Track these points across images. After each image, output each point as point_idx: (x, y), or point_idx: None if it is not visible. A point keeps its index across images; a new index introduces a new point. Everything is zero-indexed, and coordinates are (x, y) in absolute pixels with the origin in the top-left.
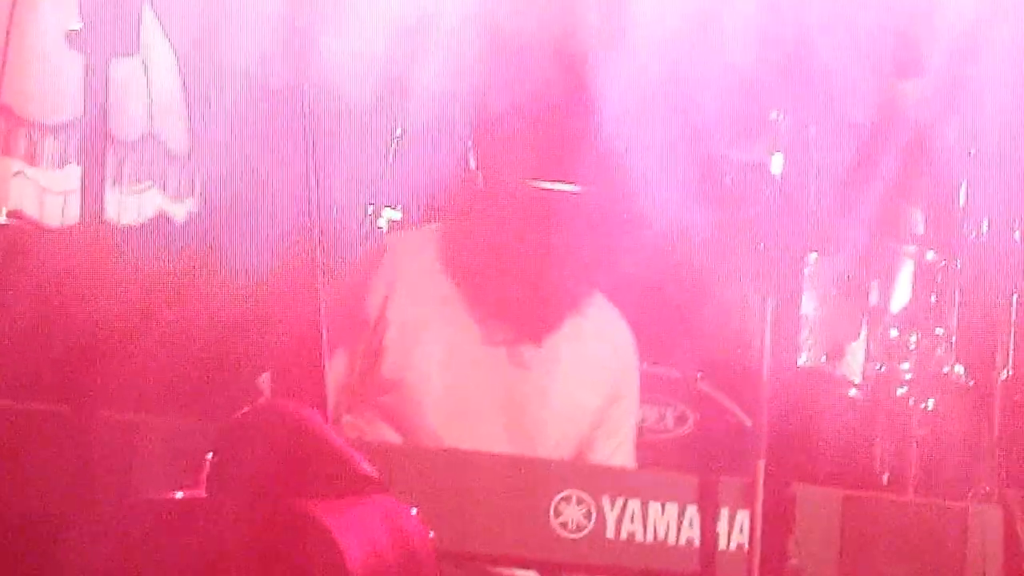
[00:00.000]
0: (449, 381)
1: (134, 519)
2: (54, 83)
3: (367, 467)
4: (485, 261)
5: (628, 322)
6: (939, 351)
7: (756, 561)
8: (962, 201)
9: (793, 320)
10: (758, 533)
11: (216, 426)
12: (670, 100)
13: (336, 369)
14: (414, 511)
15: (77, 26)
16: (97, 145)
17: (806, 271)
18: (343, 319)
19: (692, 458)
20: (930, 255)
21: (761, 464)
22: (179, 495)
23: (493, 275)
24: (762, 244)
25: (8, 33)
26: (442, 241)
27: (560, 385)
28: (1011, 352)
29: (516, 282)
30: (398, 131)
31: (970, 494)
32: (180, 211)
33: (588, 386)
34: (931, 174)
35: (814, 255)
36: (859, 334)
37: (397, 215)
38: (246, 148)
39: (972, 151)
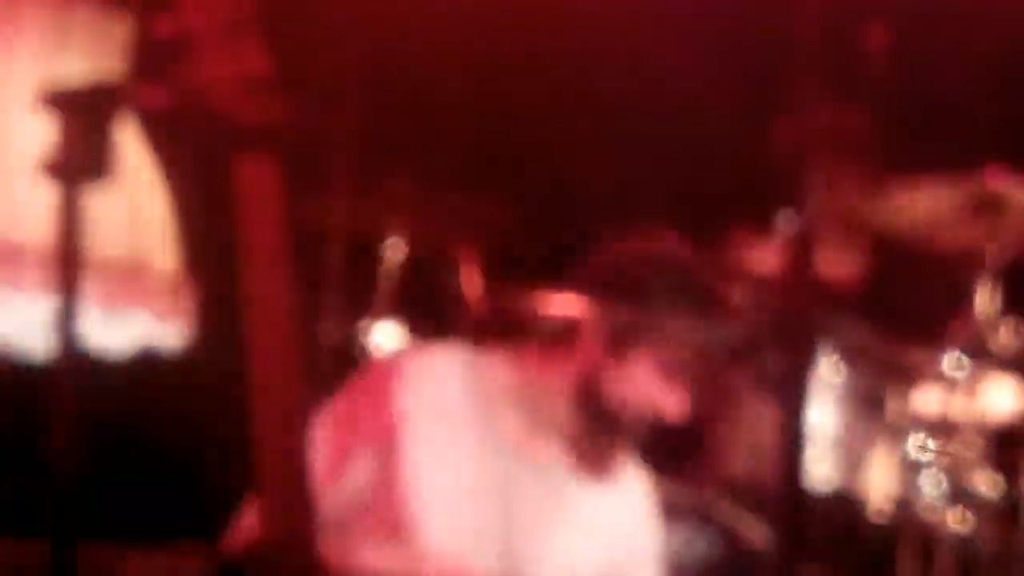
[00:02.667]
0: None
1: None
2: (30, 207)
3: None
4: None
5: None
6: (962, 463)
7: None
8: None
9: (814, 437)
10: None
11: (212, 561)
12: None
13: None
14: None
15: (47, 151)
16: (71, 269)
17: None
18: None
19: None
20: (957, 363)
21: None
22: None
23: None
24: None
25: None
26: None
27: (567, 534)
28: None
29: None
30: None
31: None
32: (170, 337)
33: (596, 542)
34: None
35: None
36: (880, 448)
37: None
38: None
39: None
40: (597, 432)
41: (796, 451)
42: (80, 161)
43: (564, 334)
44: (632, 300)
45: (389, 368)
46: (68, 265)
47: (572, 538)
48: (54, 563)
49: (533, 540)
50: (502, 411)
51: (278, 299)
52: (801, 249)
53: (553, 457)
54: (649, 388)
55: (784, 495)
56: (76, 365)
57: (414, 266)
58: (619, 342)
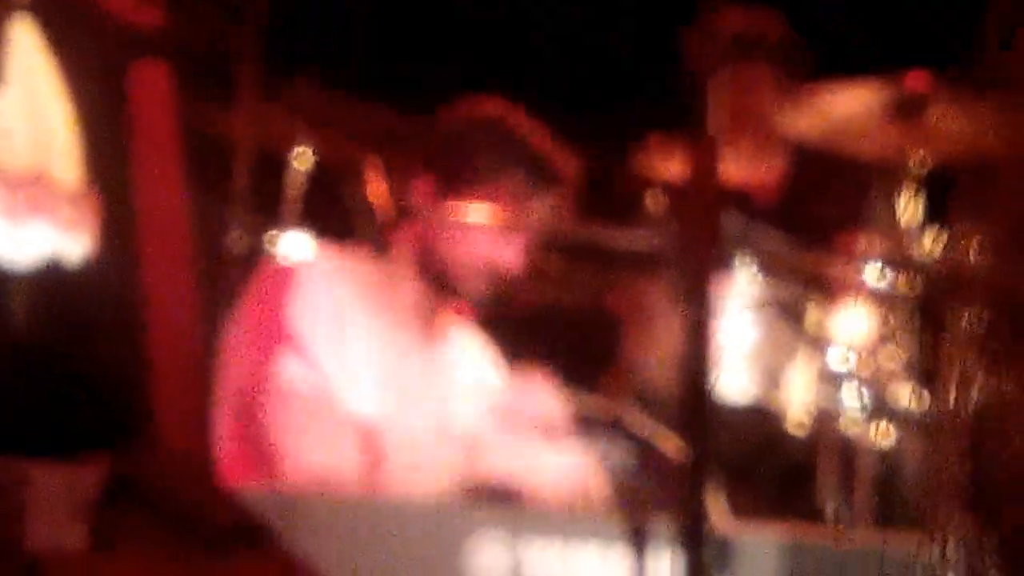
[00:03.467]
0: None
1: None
2: None
3: (256, 517)
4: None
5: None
6: (884, 377)
7: None
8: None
9: (730, 347)
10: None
11: (105, 473)
12: None
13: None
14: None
15: None
16: None
17: (742, 293)
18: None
19: (620, 496)
20: (879, 273)
21: (699, 503)
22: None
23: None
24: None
25: None
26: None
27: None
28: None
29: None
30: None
31: (922, 533)
32: (75, 249)
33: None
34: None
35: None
36: (801, 362)
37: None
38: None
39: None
40: (439, 295)
41: (702, 361)
42: None
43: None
44: (461, 163)
45: (279, 278)
46: None
47: (448, 398)
48: None
49: (421, 404)
50: (377, 302)
51: (171, 205)
52: (706, 155)
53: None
54: (482, 245)
55: (690, 406)
56: None
57: (321, 174)
58: (450, 206)
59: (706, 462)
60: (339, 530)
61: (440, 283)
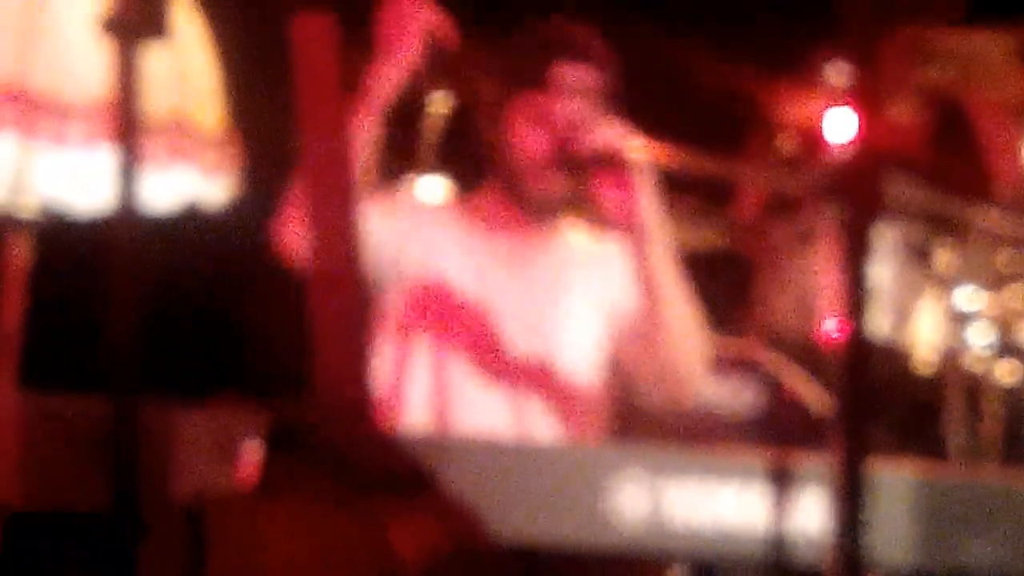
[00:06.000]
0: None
1: (179, 521)
2: (80, 65)
3: (418, 463)
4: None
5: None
6: (1015, 316)
7: (831, 545)
8: None
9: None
10: (832, 514)
11: (262, 419)
12: None
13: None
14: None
15: (105, 9)
16: (129, 125)
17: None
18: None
19: (757, 436)
20: (998, 215)
21: (835, 441)
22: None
23: None
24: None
25: (32, 16)
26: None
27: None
28: None
29: None
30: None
31: None
32: (215, 192)
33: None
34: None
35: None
36: (928, 301)
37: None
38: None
39: None
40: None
41: (860, 311)
42: (137, 18)
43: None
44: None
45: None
46: (126, 123)
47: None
48: (114, 418)
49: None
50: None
51: (336, 156)
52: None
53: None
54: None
55: (849, 356)
56: (133, 221)
57: (458, 118)
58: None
59: (865, 406)
60: (490, 474)
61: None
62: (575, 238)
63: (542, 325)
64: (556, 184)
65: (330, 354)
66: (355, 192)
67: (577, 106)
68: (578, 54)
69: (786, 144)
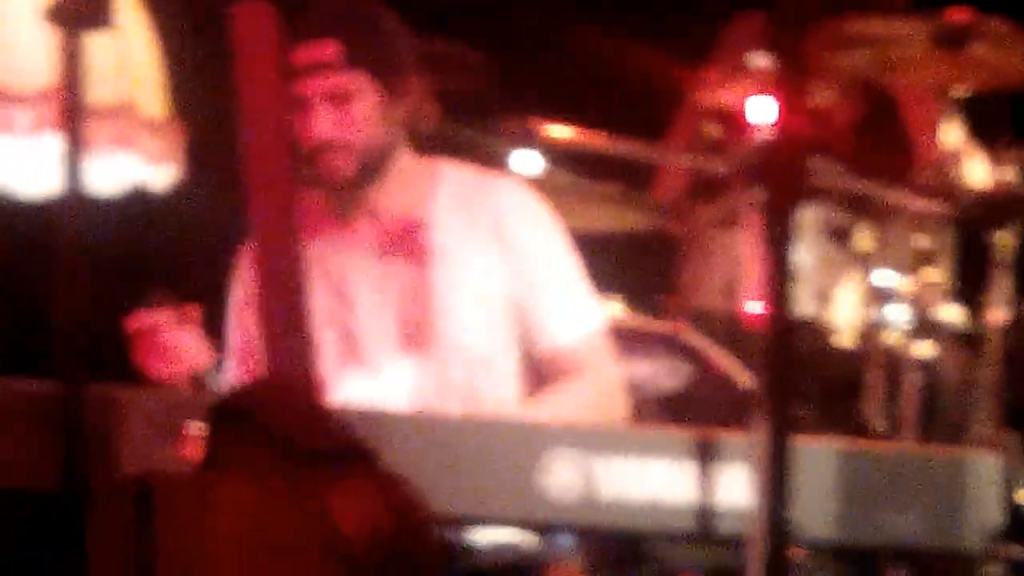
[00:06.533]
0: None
1: (127, 497)
2: (27, 52)
3: (358, 437)
4: None
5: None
6: (932, 295)
7: (756, 517)
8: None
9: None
10: (758, 489)
11: (206, 399)
12: None
13: None
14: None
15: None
16: (74, 113)
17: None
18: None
19: (683, 413)
20: (919, 198)
21: (759, 417)
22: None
23: None
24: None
25: None
26: None
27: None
28: (1007, 293)
29: None
30: None
31: (966, 440)
32: (159, 178)
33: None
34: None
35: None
36: (848, 281)
37: None
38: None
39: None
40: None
41: (782, 290)
42: (82, 8)
43: None
44: None
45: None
46: (71, 110)
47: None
48: (64, 400)
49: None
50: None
51: (276, 145)
52: (790, 87)
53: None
54: None
55: (772, 334)
56: (80, 207)
57: None
58: None
59: (788, 383)
60: (427, 447)
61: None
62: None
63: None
64: (338, 164)
65: (272, 331)
66: (294, 180)
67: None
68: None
69: (710, 128)
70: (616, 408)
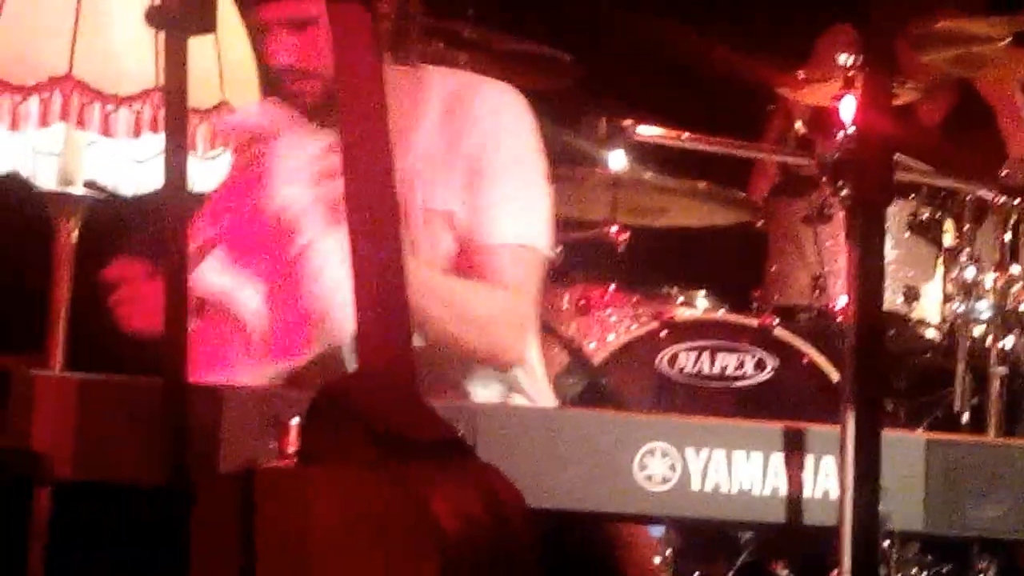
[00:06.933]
0: None
1: (227, 490)
2: (127, 56)
3: (454, 431)
4: None
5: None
6: (1016, 288)
7: (843, 509)
8: None
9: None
10: (846, 480)
11: (304, 394)
12: None
13: None
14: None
15: (154, 4)
16: (178, 114)
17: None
18: None
19: (773, 406)
20: (1003, 195)
21: (848, 409)
22: (270, 466)
23: None
24: (843, 188)
25: (79, 6)
26: None
27: None
28: None
29: None
30: None
31: None
32: None
33: None
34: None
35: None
36: (935, 275)
37: None
38: None
39: None
40: None
41: (871, 285)
42: (185, 13)
43: None
44: None
45: None
46: (174, 112)
47: None
48: (168, 397)
49: None
50: None
51: (377, 142)
52: (880, 85)
53: None
54: None
55: (862, 328)
56: (183, 207)
57: None
58: None
59: (877, 376)
60: (524, 441)
61: None
62: None
63: None
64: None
65: (370, 322)
66: (395, 176)
67: None
68: None
69: (801, 127)
70: (508, 334)
